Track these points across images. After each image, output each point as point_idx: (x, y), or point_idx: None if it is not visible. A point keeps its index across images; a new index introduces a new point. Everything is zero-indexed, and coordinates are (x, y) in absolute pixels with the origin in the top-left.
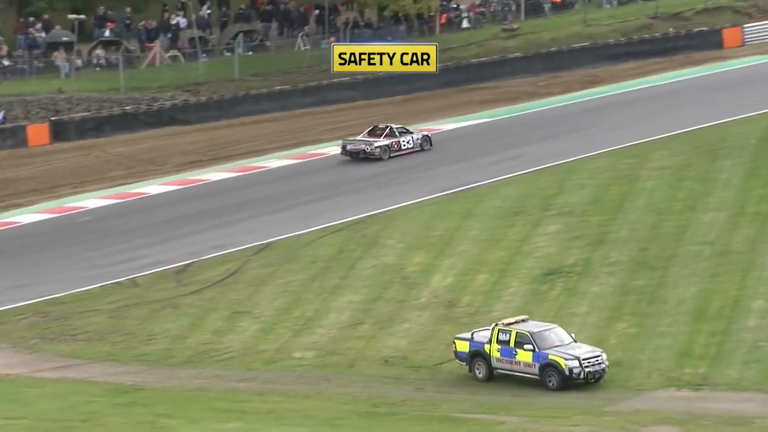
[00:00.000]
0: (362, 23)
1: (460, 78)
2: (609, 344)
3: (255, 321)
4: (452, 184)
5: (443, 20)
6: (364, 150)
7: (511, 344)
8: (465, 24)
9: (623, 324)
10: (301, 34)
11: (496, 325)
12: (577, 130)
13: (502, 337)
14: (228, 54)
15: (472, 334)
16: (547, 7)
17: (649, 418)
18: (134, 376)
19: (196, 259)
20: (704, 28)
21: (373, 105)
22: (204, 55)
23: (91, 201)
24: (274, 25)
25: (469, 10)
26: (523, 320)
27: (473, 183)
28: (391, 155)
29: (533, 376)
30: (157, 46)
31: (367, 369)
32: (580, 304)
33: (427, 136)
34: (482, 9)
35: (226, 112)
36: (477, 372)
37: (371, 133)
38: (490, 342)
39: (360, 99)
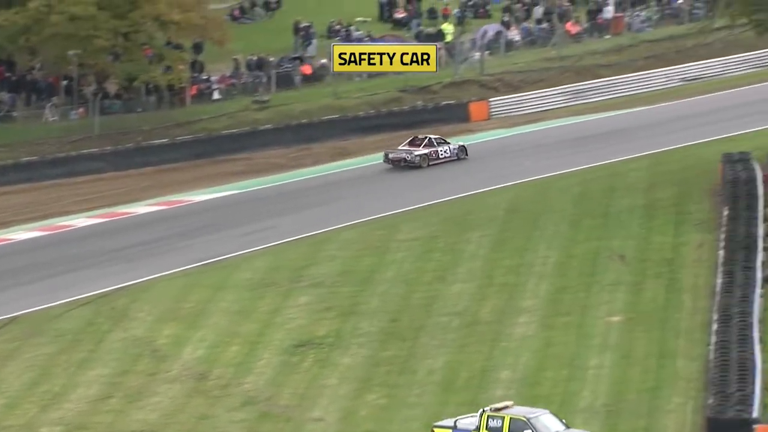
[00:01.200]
0: (112, 94)
1: (211, 149)
2: (359, 416)
3: None
4: (204, 256)
5: (194, 91)
6: (405, 158)
7: (505, 430)
8: (216, 95)
9: (373, 395)
10: (49, 104)
11: (484, 411)
12: (327, 202)
13: (492, 423)
14: None
15: (455, 422)
16: (297, 79)
17: None
18: None
19: None
20: (452, 102)
21: (123, 176)
22: None
23: None
24: (21, 95)
25: (219, 82)
26: (507, 406)
27: (225, 255)
28: (430, 163)
29: None
30: None
31: None
32: (331, 376)
33: (462, 146)
34: (233, 81)
35: None
36: None
37: (411, 143)
38: (478, 429)
39: (109, 170)
